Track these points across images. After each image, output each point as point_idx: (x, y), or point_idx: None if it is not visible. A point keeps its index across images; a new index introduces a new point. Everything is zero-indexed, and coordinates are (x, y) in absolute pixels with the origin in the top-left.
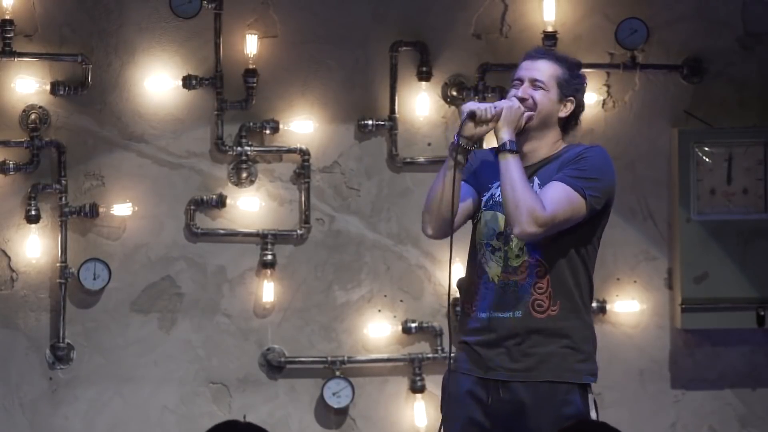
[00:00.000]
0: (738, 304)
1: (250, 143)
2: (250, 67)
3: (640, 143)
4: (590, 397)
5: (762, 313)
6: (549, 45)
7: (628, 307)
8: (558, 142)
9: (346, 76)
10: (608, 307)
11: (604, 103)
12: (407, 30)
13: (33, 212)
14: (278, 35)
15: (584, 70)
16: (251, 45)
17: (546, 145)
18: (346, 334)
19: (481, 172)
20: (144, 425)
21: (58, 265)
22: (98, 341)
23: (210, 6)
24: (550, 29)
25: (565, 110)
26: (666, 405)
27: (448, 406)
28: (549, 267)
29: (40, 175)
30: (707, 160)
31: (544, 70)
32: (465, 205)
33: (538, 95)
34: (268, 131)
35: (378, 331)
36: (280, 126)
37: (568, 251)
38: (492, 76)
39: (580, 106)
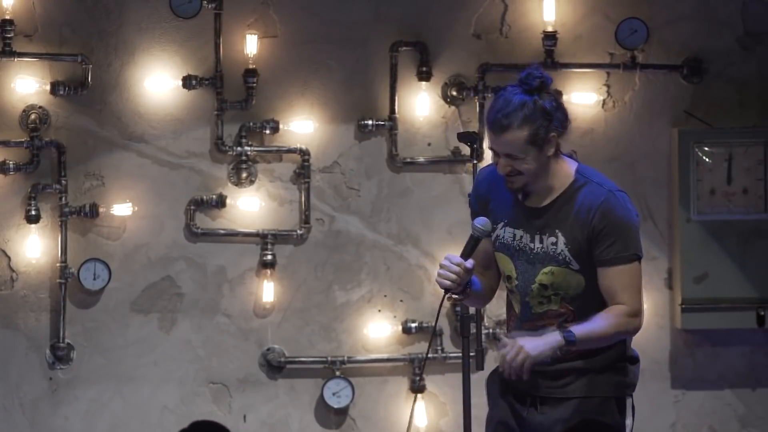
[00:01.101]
0: (738, 304)
1: (250, 143)
2: (250, 67)
3: (640, 143)
4: (628, 405)
5: (762, 313)
6: (549, 45)
7: None
8: (561, 167)
9: (346, 76)
10: None
11: (604, 103)
12: (407, 30)
13: (33, 212)
14: (278, 35)
15: (584, 70)
16: (251, 45)
17: (552, 178)
18: (346, 334)
19: (491, 207)
20: (144, 425)
21: (58, 265)
22: (98, 341)
23: (210, 6)
24: (550, 29)
25: (553, 147)
26: (666, 405)
27: (489, 403)
28: (578, 312)
29: (40, 175)
30: (707, 160)
31: (512, 142)
32: (491, 257)
33: (520, 166)
34: (268, 131)
35: (378, 331)
36: (280, 126)
37: (599, 290)
38: (492, 76)
39: (563, 125)
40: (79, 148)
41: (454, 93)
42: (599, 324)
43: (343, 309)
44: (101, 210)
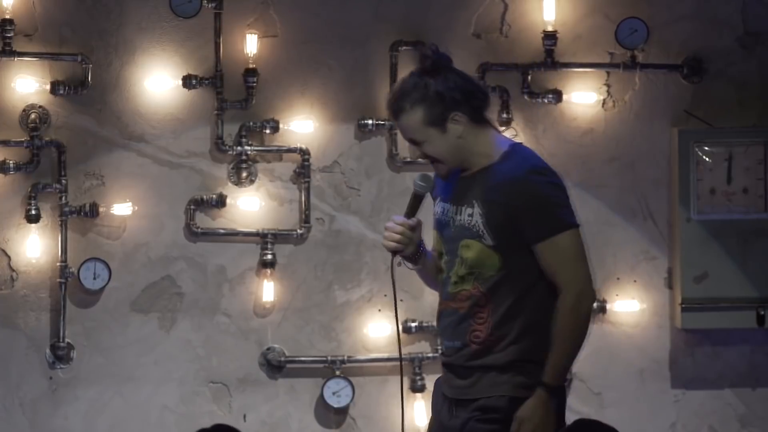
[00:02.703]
0: (738, 304)
1: (250, 143)
2: (250, 66)
3: (640, 143)
4: None
5: (762, 312)
6: (549, 45)
7: (628, 306)
8: (490, 142)
9: (346, 76)
10: (608, 306)
11: (604, 102)
12: (407, 30)
13: (33, 212)
14: (278, 35)
15: (584, 70)
16: (251, 44)
17: (475, 155)
18: (346, 334)
19: (437, 185)
20: (144, 425)
21: (58, 264)
22: (98, 341)
23: (210, 5)
24: (550, 29)
25: (458, 127)
26: (666, 405)
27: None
28: (491, 296)
29: (40, 175)
30: (707, 159)
31: (409, 126)
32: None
33: (427, 149)
34: (268, 131)
35: (378, 330)
36: (280, 126)
37: (517, 276)
38: (492, 76)
39: (468, 101)
40: (79, 147)
41: None
42: (560, 346)
43: (343, 308)
44: (101, 209)
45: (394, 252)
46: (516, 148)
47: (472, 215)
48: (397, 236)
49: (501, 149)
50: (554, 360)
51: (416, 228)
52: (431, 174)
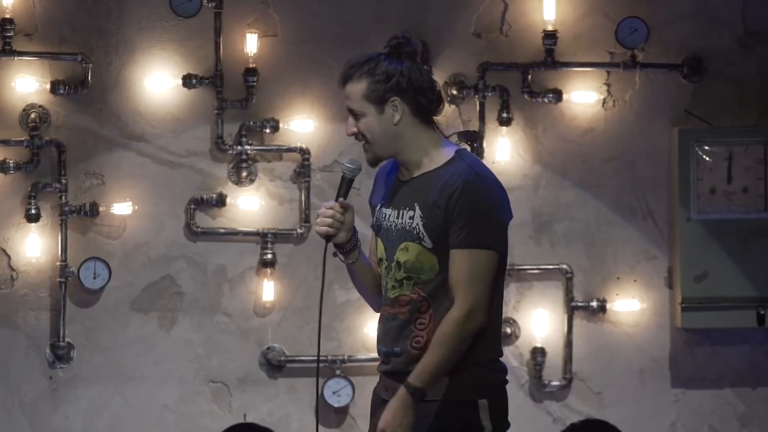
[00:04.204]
0: (738, 303)
1: (250, 142)
2: (250, 66)
3: (640, 142)
4: (481, 406)
5: (762, 312)
6: (549, 44)
7: (628, 306)
8: (435, 145)
9: None
10: (608, 306)
11: (604, 102)
12: (407, 29)
13: (33, 211)
14: (278, 34)
15: (584, 69)
16: (251, 44)
17: (414, 151)
18: (347, 333)
19: (377, 194)
20: (144, 424)
21: (58, 264)
22: (98, 340)
23: (210, 5)
24: (550, 28)
25: (396, 114)
26: (666, 404)
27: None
28: (432, 301)
29: (40, 174)
30: (707, 159)
31: (351, 94)
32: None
33: (360, 124)
34: (268, 130)
35: None
36: (280, 125)
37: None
38: (492, 75)
39: (413, 92)
40: (79, 147)
41: (455, 92)
42: (435, 352)
43: (343, 308)
44: (101, 209)
45: (327, 237)
46: (462, 154)
47: (412, 218)
48: (328, 220)
49: (447, 154)
50: (425, 364)
51: (347, 210)
52: (357, 159)
